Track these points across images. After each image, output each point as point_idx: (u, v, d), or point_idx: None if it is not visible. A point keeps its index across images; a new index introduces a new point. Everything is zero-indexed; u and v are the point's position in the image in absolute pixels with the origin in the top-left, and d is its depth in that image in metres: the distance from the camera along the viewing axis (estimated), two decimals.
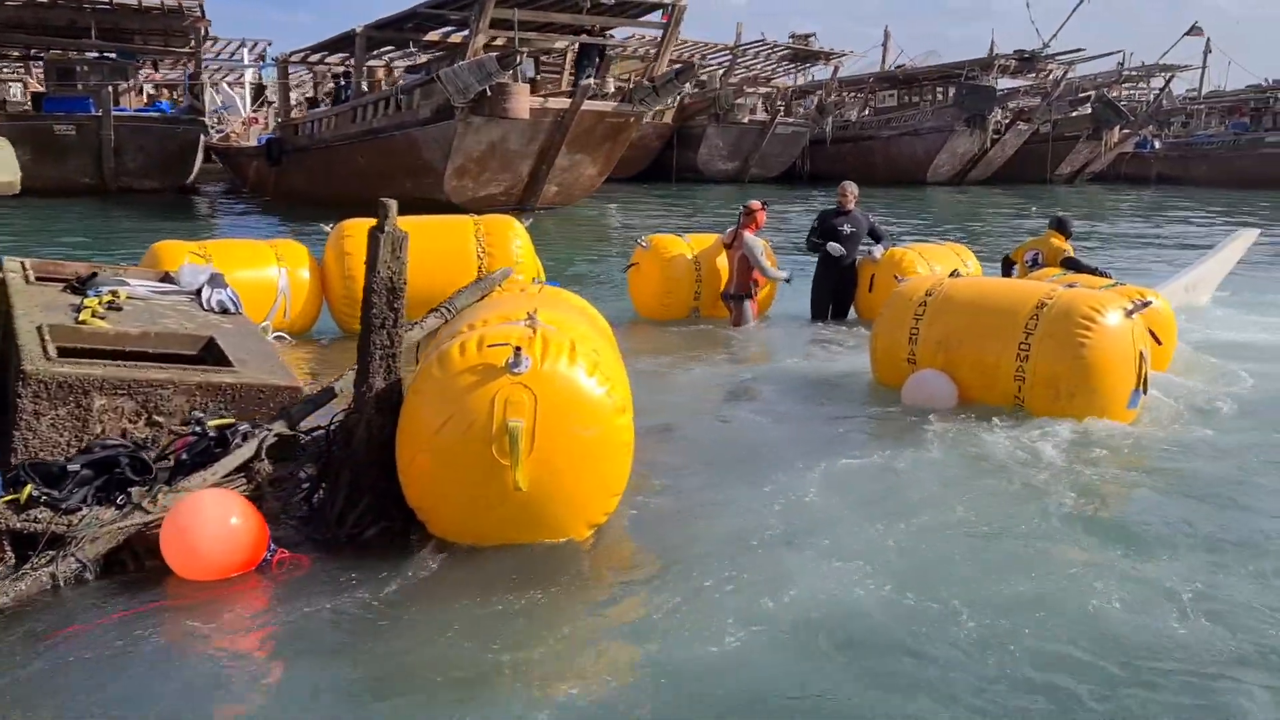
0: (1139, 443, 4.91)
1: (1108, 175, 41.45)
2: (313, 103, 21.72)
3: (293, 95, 24.15)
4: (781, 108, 34.13)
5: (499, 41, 14.65)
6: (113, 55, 22.31)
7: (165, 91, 27.19)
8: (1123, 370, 5.15)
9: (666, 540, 3.61)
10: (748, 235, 8.31)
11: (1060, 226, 8.44)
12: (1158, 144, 43.69)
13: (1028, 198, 29.53)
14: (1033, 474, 4.42)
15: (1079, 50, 33.64)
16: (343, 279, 7.39)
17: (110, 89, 20.15)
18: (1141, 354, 5.21)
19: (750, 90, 35.72)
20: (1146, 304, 5.46)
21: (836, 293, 8.70)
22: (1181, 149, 42.83)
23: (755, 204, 8.60)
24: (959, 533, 3.76)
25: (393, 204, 3.38)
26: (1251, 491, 4.24)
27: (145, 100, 22.64)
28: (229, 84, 34.70)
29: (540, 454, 3.21)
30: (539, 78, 18.06)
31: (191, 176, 22.62)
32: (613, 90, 16.85)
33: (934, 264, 8.72)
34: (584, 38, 17.14)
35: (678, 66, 16.23)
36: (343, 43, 19.54)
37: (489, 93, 14.60)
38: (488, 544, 3.37)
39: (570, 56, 19.49)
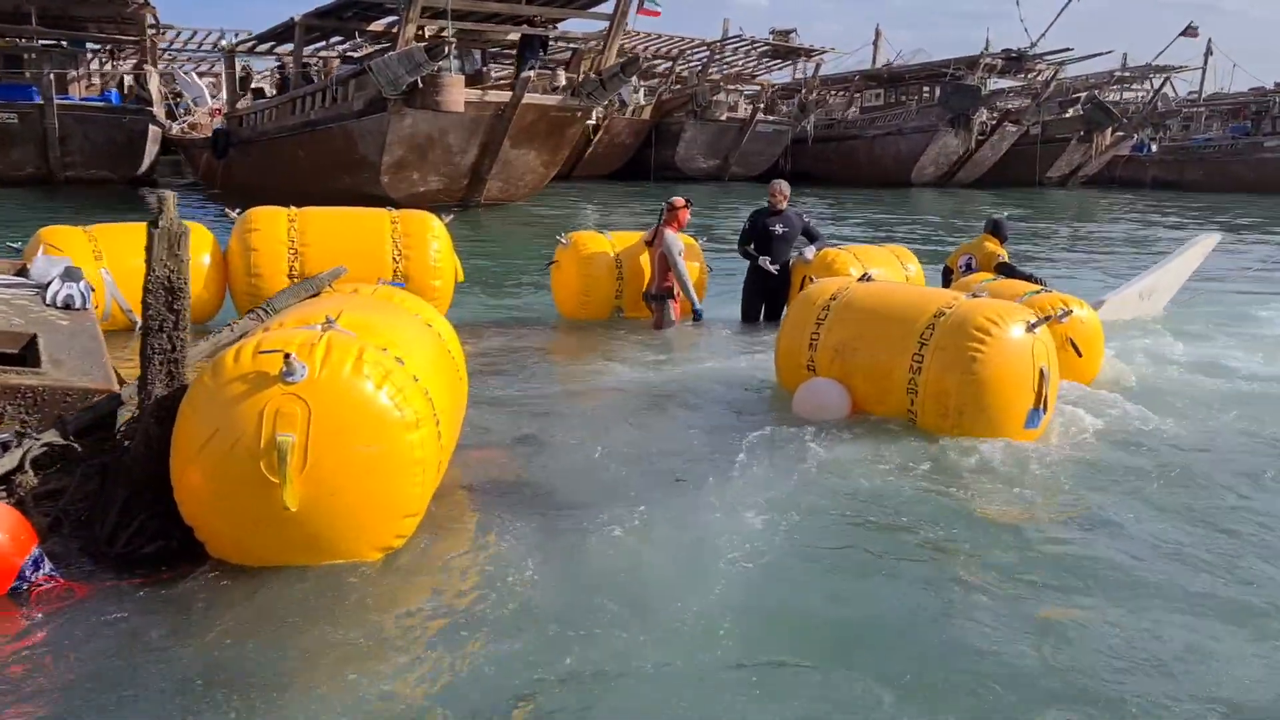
0: (1015, 466, 4.64)
1: (1101, 179, 41.44)
2: (259, 94, 21.53)
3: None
4: (761, 106, 33.97)
5: (447, 33, 14.44)
6: (62, 43, 22.09)
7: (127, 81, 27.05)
8: (1018, 388, 4.93)
9: (485, 569, 3.42)
10: (668, 233, 8.16)
11: (995, 230, 8.30)
12: (1155, 147, 43.69)
13: (1013, 201, 29.44)
14: (888, 498, 4.20)
15: (1067, 50, 33.58)
16: (246, 274, 7.24)
17: (51, 77, 19.90)
18: (1042, 371, 4.99)
19: (732, 88, 35.64)
20: (1048, 319, 5.25)
21: (768, 295, 8.55)
22: (1177, 152, 42.83)
23: (678, 201, 8.46)
24: (794, 552, 3.60)
25: (170, 195, 3.19)
26: (1118, 526, 4.03)
27: (96, 90, 22.38)
28: (198, 74, 34.54)
29: (315, 471, 3.03)
30: (486, 69, 17.89)
31: (143, 168, 22.41)
32: (564, 84, 16.65)
33: (870, 266, 8.58)
34: (524, 28, 16.95)
35: (623, 60, 16.04)
36: (288, 32, 19.37)
37: (420, 84, 14.38)
38: (267, 565, 3.19)
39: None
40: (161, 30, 23.98)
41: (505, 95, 15.91)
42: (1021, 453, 4.79)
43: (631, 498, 4.11)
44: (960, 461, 4.67)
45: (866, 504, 4.13)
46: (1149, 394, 6.24)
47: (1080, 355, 6.44)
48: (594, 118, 26.12)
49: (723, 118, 33.40)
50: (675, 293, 8.23)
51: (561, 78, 16.71)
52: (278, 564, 3.18)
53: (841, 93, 40.15)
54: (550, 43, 17.77)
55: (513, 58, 20.79)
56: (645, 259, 8.37)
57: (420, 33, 15.39)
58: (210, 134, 21.76)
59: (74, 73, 22.14)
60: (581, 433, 5.20)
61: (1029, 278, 7.68)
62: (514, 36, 17.16)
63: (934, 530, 3.90)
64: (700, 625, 3.03)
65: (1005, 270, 7.87)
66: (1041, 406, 5.02)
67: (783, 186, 8.65)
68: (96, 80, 25.25)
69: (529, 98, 15.79)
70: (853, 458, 4.69)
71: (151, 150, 22.62)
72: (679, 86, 35.41)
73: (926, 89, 35.98)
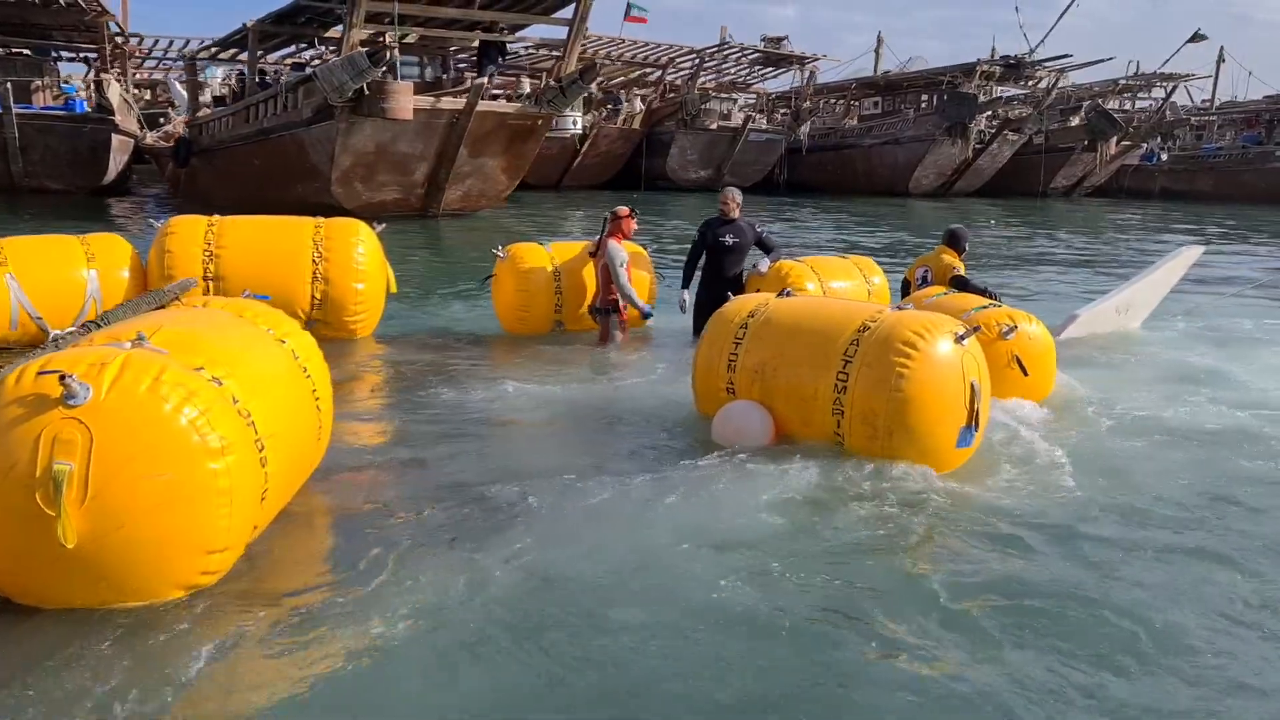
0: (945, 496, 4.42)
1: (1109, 189, 41.29)
2: (220, 101, 21.50)
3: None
4: (754, 114, 33.93)
5: (408, 39, 14.32)
6: (25, 52, 22.11)
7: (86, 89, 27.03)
8: (947, 405, 4.68)
9: (306, 608, 3.21)
10: (611, 244, 7.97)
11: (952, 241, 8.08)
12: (1164, 157, 43.53)
13: (1012, 212, 29.30)
14: (803, 536, 3.96)
15: (1066, 56, 33.47)
16: (161, 278, 7.14)
17: (9, 86, 19.84)
18: (973, 386, 4.77)
19: (726, 96, 35.60)
20: (976, 330, 5.02)
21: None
22: (1187, 162, 42.68)
23: (623, 210, 8.27)
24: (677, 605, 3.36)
25: None
26: (1027, 557, 3.82)
27: (61, 99, 22.35)
28: (180, 82, 34.66)
29: (99, 503, 2.82)
30: (448, 77, 17.75)
31: (108, 177, 22.35)
32: (528, 91, 16.50)
33: (829, 279, 8.40)
34: (478, 33, 16.83)
35: (581, 66, 15.89)
36: (246, 39, 19.25)
37: (366, 91, 14.24)
38: (53, 606, 2.98)
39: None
40: (127, 39, 23.97)
41: (460, 102, 15.77)
42: (949, 478, 4.57)
43: (503, 528, 3.92)
44: (884, 491, 4.39)
45: (775, 543, 3.85)
46: (1100, 417, 6.02)
47: (1026, 374, 6.23)
48: (577, 126, 26.22)
49: (713, 126, 33.33)
50: (622, 306, 8.05)
51: (526, 85, 16.57)
52: (64, 605, 2.97)
53: (839, 100, 40.07)
54: (527, 50, 17.65)
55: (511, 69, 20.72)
56: (588, 271, 8.19)
57: (381, 39, 15.27)
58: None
59: (38, 81, 22.09)
60: (476, 455, 5.01)
61: (984, 291, 7.45)
62: (476, 43, 17.03)
63: (850, 579, 3.60)
64: (543, 671, 2.82)
65: (959, 284, 7.64)
66: (973, 424, 4.79)
67: (734, 194, 8.44)
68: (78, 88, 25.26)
69: (485, 105, 15.60)
70: (768, 489, 4.41)
71: (118, 160, 22.54)
72: (673, 95, 35.41)
73: (925, 97, 35.87)
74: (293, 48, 21.49)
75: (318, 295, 7.55)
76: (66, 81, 23.20)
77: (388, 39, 14.50)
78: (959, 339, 4.77)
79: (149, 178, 27.77)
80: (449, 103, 15.75)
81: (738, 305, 5.73)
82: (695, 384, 5.70)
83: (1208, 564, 3.84)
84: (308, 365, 3.99)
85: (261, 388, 3.41)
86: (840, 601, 3.43)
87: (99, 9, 20.35)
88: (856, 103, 39.92)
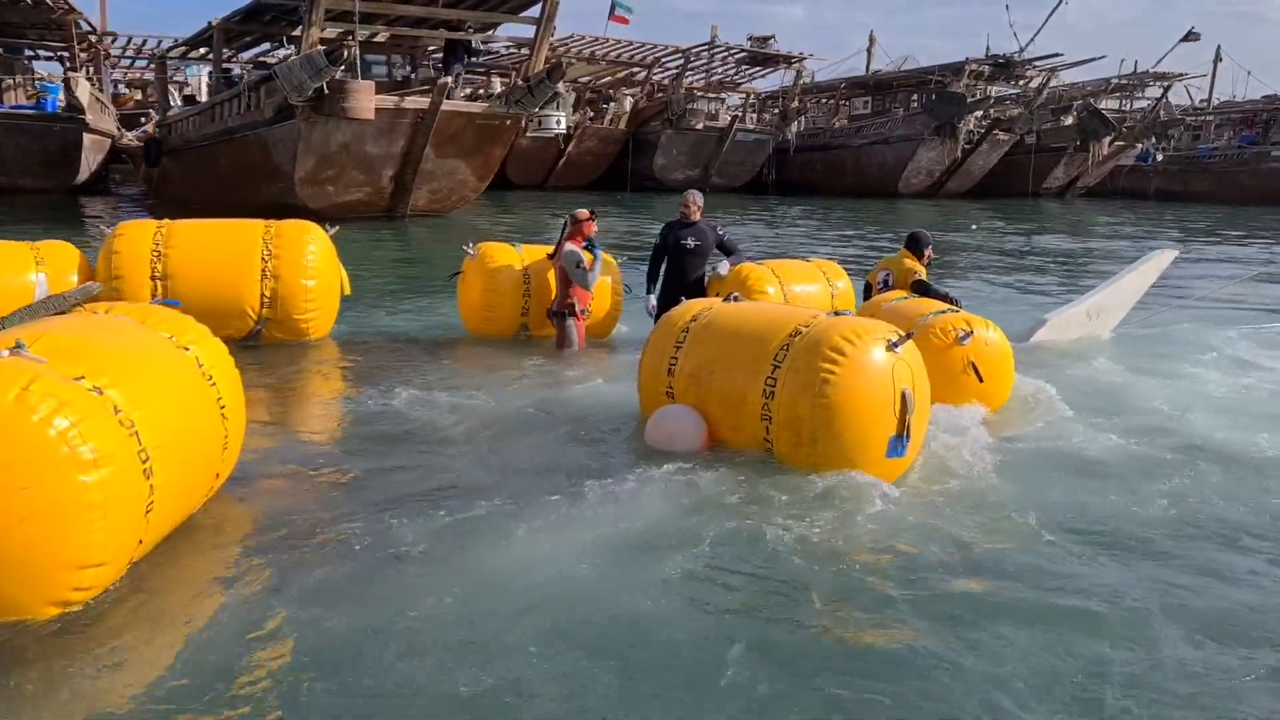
0: (874, 516, 4.28)
1: (1103, 189, 41.34)
2: (190, 100, 21.41)
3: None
4: (740, 114, 33.92)
5: (378, 38, 14.24)
6: None
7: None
8: (875, 414, 4.61)
9: (190, 622, 3.14)
10: (568, 246, 7.91)
11: (914, 244, 8.01)
12: (1160, 157, 43.58)
13: (1001, 212, 29.30)
14: (708, 548, 3.87)
15: (1056, 55, 33.47)
16: (109, 279, 7.18)
17: None
18: (905, 395, 4.70)
19: (713, 95, 35.58)
20: (909, 336, 4.94)
21: None
22: (1182, 163, 42.73)
23: (583, 213, 8.21)
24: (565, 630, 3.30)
25: None
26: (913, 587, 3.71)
27: (35, 98, 22.26)
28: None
29: None
30: (414, 76, 17.67)
31: (81, 177, 22.25)
32: (499, 90, 16.43)
33: (790, 283, 8.33)
34: (443, 32, 16.74)
35: (548, 65, 15.84)
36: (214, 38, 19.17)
37: (326, 90, 14.16)
38: None
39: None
40: (100, 37, 23.87)
41: (424, 102, 15.70)
42: (875, 490, 4.49)
43: (416, 538, 3.85)
44: (800, 502, 4.32)
45: (683, 557, 3.76)
46: (1054, 426, 5.95)
47: (981, 380, 6.18)
48: (561, 126, 26.31)
49: (699, 127, 33.30)
50: (579, 311, 7.99)
51: (497, 84, 16.50)
52: None
53: (828, 100, 40.07)
54: (508, 49, 17.55)
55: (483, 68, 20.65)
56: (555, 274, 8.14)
57: (347, 38, 15.19)
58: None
59: (9, 80, 22.00)
60: (408, 465, 4.93)
61: (944, 297, 7.38)
62: (448, 41, 16.91)
63: (748, 597, 3.52)
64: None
65: (920, 288, 7.58)
66: (905, 434, 4.72)
67: (695, 197, 8.39)
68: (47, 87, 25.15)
69: (451, 105, 15.52)
70: (688, 497, 4.38)
71: (91, 159, 22.44)
72: (660, 95, 35.39)
73: (915, 97, 35.86)
74: (266, 46, 21.44)
75: (267, 293, 7.54)
76: (46, 80, 23.10)
77: (351, 38, 14.43)
78: (891, 346, 4.69)
79: (130, 177, 27.70)
80: (413, 102, 15.69)
81: (683, 309, 5.69)
82: (639, 387, 5.65)
83: (1122, 580, 3.78)
84: (214, 373, 3.92)
85: (150, 397, 3.34)
86: (746, 614, 3.38)
87: (66, 7, 20.28)
88: (846, 103, 39.91)
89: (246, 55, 20.84)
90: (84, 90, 20.22)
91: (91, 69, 22.64)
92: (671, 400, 5.37)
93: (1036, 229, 24.61)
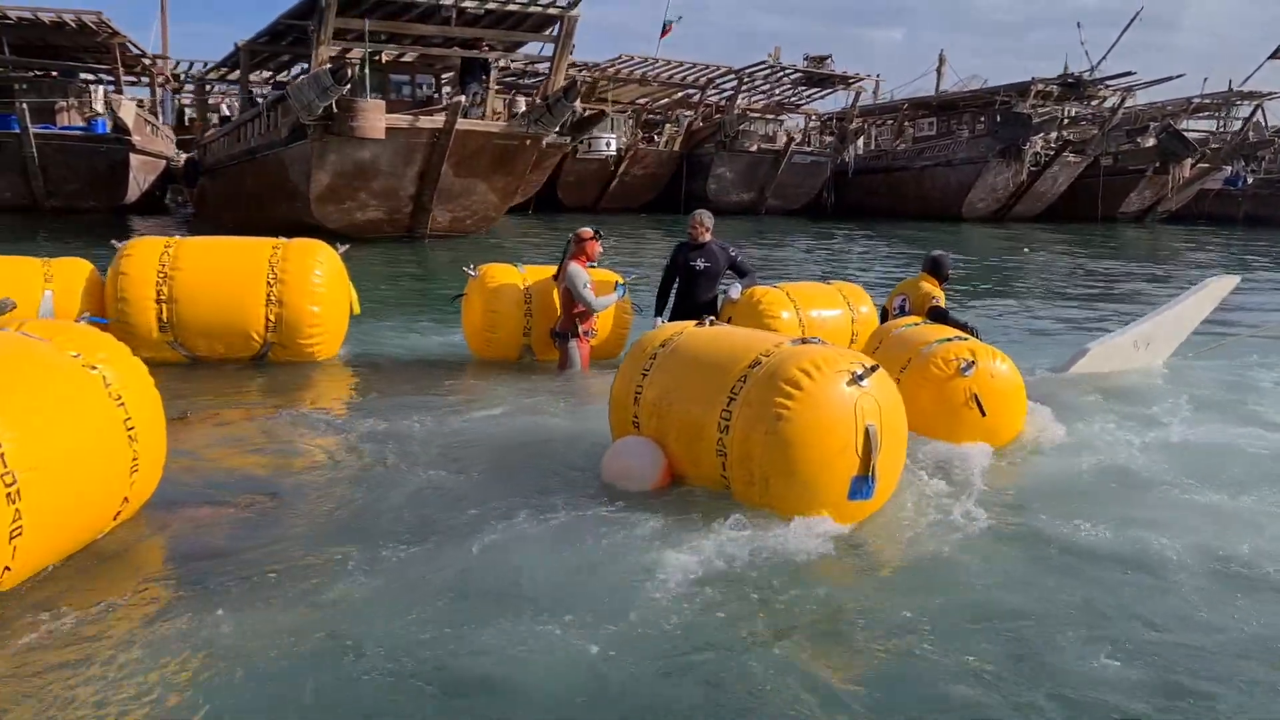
0: (814, 556, 4.03)
1: (1188, 214, 39.94)
2: (224, 121, 22.05)
3: None
4: (798, 136, 33.65)
5: (408, 57, 14.41)
6: (53, 74, 23.03)
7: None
8: (832, 452, 4.30)
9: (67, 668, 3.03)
10: (572, 266, 7.78)
11: (934, 269, 7.67)
12: (1250, 180, 41.97)
13: (1069, 238, 28.45)
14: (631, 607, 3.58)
15: (1129, 74, 32.43)
16: (115, 300, 7.31)
17: (25, 106, 20.61)
18: (869, 432, 4.39)
19: (771, 117, 35.38)
20: (875, 369, 4.56)
21: None
22: (1274, 186, 41.08)
23: (586, 232, 8.07)
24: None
25: None
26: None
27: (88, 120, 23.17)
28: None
29: None
30: (437, 96, 17.82)
31: (130, 197, 23.00)
32: (523, 110, 16.50)
33: (807, 308, 8.06)
34: (456, 50, 16.86)
35: (564, 84, 15.83)
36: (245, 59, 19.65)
37: (335, 109, 14.34)
38: None
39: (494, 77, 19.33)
40: (154, 60, 24.77)
41: (439, 121, 15.82)
42: (836, 542, 4.19)
43: (347, 573, 3.71)
44: (760, 550, 4.05)
45: (618, 609, 3.51)
46: (1059, 470, 5.53)
47: (984, 414, 5.83)
48: (611, 148, 26.26)
49: (753, 148, 33.10)
50: (582, 332, 7.85)
51: (521, 104, 16.58)
52: None
53: (890, 121, 39.56)
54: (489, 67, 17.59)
55: (511, 86, 20.82)
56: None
57: (378, 59, 15.44)
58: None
59: (62, 102, 22.94)
60: (356, 495, 4.78)
61: (964, 326, 7.01)
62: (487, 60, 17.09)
63: (698, 648, 3.29)
64: None
65: (937, 315, 7.23)
66: (870, 474, 4.41)
67: (704, 218, 8.19)
68: (100, 109, 26.21)
69: (467, 124, 15.63)
70: (639, 542, 4.10)
71: (141, 179, 23.19)
72: (718, 116, 35.33)
73: (983, 119, 35.15)
74: (297, 68, 22.08)
75: (272, 318, 7.58)
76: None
77: (372, 56, 14.67)
78: (855, 378, 4.39)
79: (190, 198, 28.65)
80: (427, 121, 15.84)
81: (653, 335, 5.48)
82: (610, 416, 5.45)
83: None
84: (123, 393, 3.83)
85: (26, 418, 3.25)
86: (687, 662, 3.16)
87: (110, 30, 21.07)
88: (911, 124, 39.32)
89: (282, 76, 21.35)
90: (129, 111, 20.96)
91: (138, 90, 23.52)
92: (638, 430, 5.15)
93: (1103, 254, 23.78)
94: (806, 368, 4.37)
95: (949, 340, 6.22)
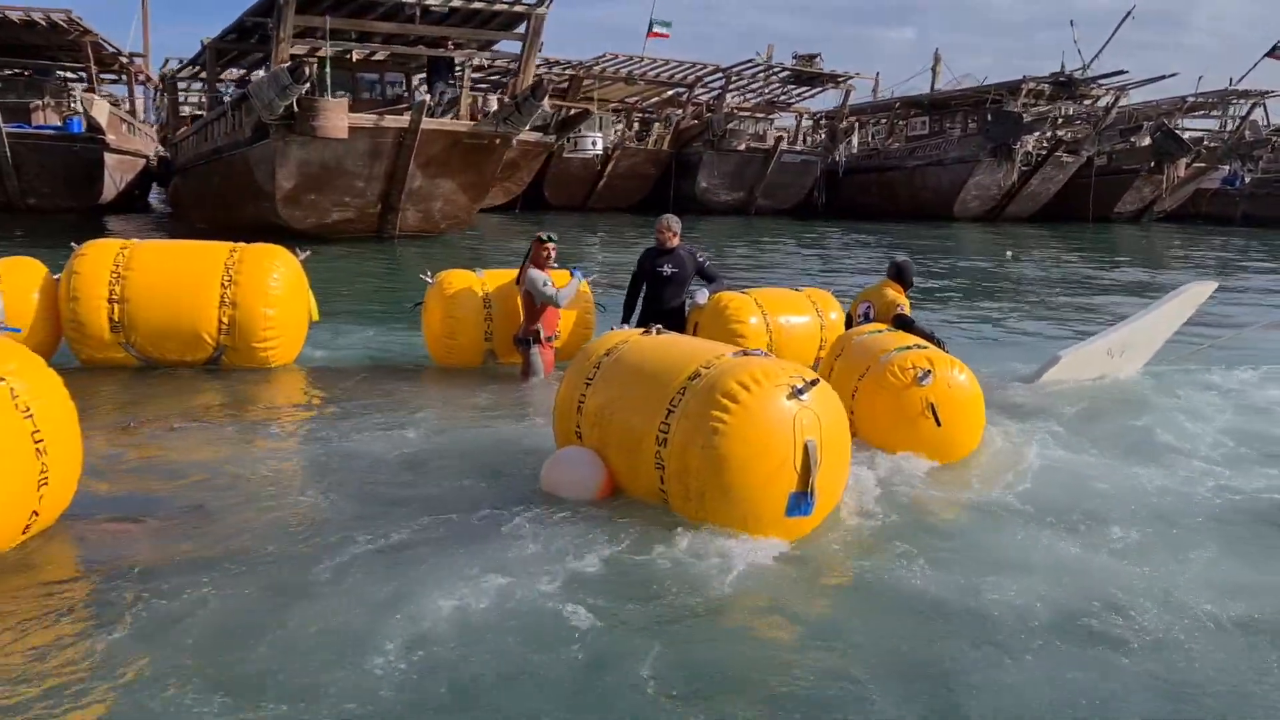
0: (751, 570, 3.97)
1: (1184, 214, 39.95)
2: (193, 120, 22.00)
3: None
4: (786, 135, 33.60)
5: (376, 56, 14.34)
6: (26, 73, 22.96)
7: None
8: (770, 467, 4.24)
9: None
10: (531, 271, 7.76)
11: (898, 275, 7.61)
12: (1248, 179, 41.96)
13: (1059, 239, 28.42)
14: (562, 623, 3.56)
15: (1122, 73, 32.40)
16: (67, 300, 7.34)
17: None
18: (807, 448, 4.32)
19: (760, 115, 35.34)
20: (815, 383, 4.49)
21: None
22: (1272, 186, 41.07)
23: (540, 236, 8.06)
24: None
25: None
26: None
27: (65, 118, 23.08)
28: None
29: None
30: (406, 95, 17.70)
31: (106, 195, 22.90)
32: (495, 109, 16.46)
33: (775, 314, 8.02)
34: (421, 49, 16.79)
35: (532, 83, 15.78)
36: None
37: (297, 108, 14.26)
38: None
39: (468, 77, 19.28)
40: (131, 59, 24.70)
41: (404, 120, 15.74)
42: (767, 558, 4.12)
43: (264, 585, 3.68)
44: (693, 565, 3.99)
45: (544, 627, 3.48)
46: (1013, 485, 5.42)
47: (939, 424, 5.78)
48: (597, 147, 26.22)
49: (742, 147, 33.06)
50: (545, 338, 7.81)
51: (494, 103, 16.53)
52: None
53: (883, 120, 39.54)
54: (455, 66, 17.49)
55: (482, 85, 20.74)
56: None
57: (348, 57, 15.38)
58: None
59: (38, 101, 22.87)
60: (282, 507, 4.73)
61: (928, 335, 6.96)
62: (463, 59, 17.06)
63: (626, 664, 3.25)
64: None
65: (902, 323, 7.16)
66: (808, 491, 4.36)
67: (671, 223, 8.14)
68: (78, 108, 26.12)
69: (433, 123, 15.61)
70: (569, 554, 4.06)
71: (117, 178, 23.09)
72: (709, 114, 35.29)
73: (975, 118, 35.12)
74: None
75: (224, 320, 7.55)
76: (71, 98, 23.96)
77: (342, 54, 14.60)
78: (795, 392, 4.33)
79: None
80: (392, 121, 15.78)
81: (599, 342, 5.44)
82: (554, 425, 5.40)
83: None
84: (32, 404, 3.77)
85: None
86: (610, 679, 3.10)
87: (81, 29, 21.01)
88: (904, 123, 39.29)
89: (255, 74, 21.24)
90: (102, 110, 20.87)
91: (130, 90, 23.45)
92: (580, 441, 5.10)
93: (1091, 257, 23.71)
94: (745, 381, 4.31)
95: (908, 349, 6.17)
